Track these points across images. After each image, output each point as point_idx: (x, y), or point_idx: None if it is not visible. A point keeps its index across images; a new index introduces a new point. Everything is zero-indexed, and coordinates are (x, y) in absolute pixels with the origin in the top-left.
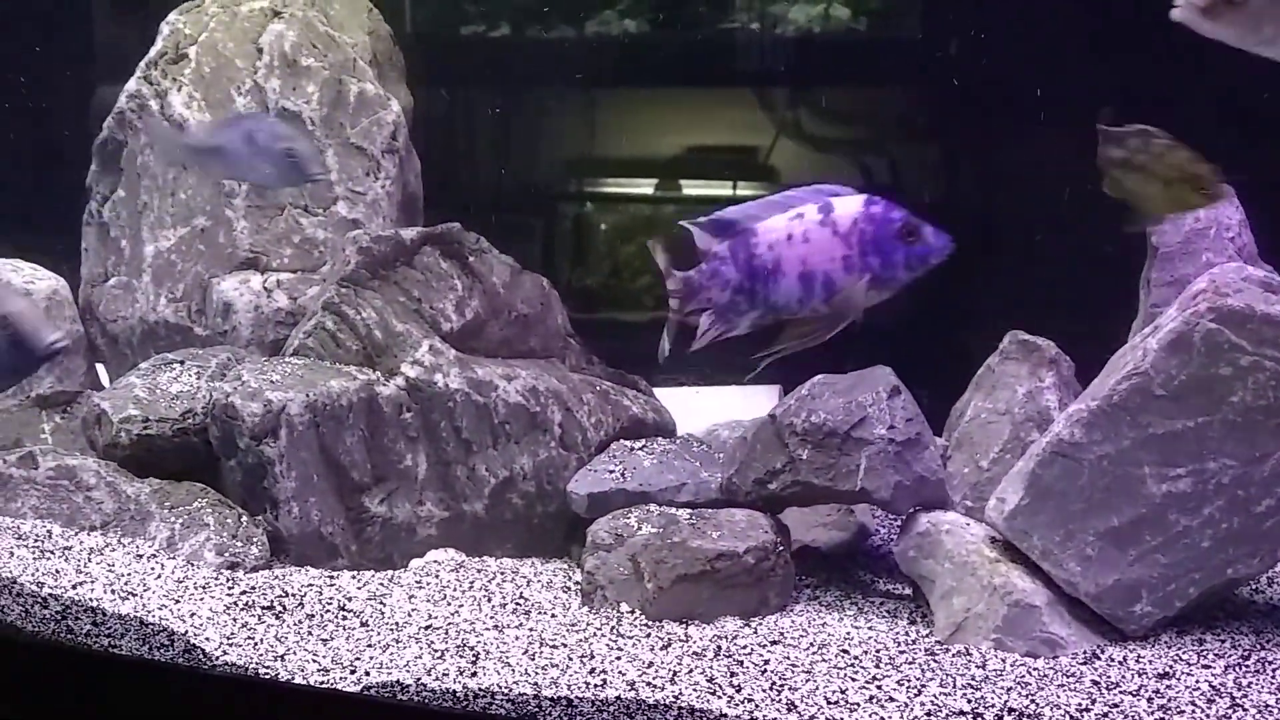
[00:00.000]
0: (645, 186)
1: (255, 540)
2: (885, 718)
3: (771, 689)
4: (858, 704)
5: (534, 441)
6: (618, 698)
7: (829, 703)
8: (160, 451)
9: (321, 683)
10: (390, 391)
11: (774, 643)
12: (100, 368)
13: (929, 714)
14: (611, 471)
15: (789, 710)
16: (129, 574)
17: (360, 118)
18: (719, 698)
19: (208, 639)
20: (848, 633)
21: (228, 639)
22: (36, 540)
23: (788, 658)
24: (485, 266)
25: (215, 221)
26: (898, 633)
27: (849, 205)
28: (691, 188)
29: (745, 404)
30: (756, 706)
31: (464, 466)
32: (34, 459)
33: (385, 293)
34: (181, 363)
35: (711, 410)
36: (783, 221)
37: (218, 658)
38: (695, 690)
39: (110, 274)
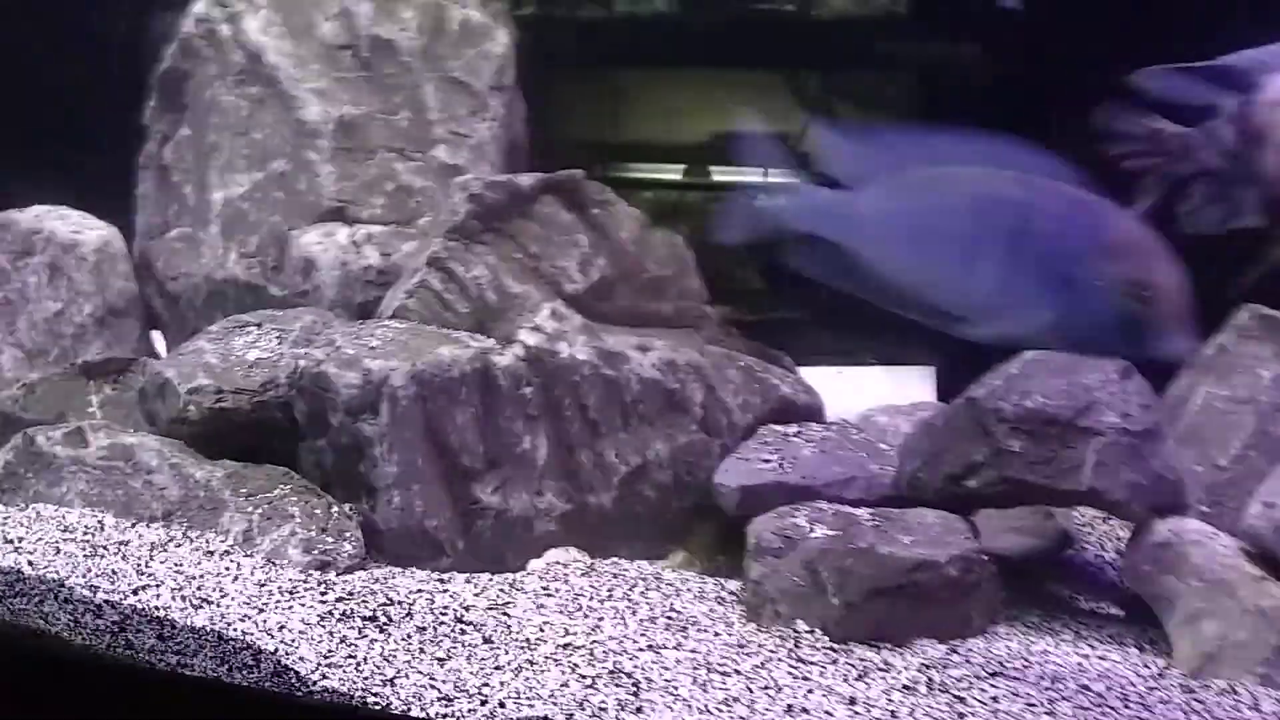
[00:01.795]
0: (673, 172)
1: (348, 535)
2: None
3: None
4: None
5: (671, 424)
6: None
7: None
8: (234, 428)
9: (444, 715)
10: (507, 362)
11: (994, 674)
12: (156, 334)
13: None
14: (767, 461)
15: None
16: (200, 575)
17: (464, 49)
18: None
19: (302, 658)
20: (1078, 663)
21: (325, 658)
22: (86, 533)
23: (1016, 693)
24: (612, 220)
25: (296, 165)
26: (1134, 663)
27: None
28: (720, 173)
29: (894, 387)
30: None
31: (590, 451)
32: (83, 436)
33: (499, 248)
34: (259, 325)
35: (856, 393)
36: None
37: (315, 682)
38: None
39: (171, 224)
